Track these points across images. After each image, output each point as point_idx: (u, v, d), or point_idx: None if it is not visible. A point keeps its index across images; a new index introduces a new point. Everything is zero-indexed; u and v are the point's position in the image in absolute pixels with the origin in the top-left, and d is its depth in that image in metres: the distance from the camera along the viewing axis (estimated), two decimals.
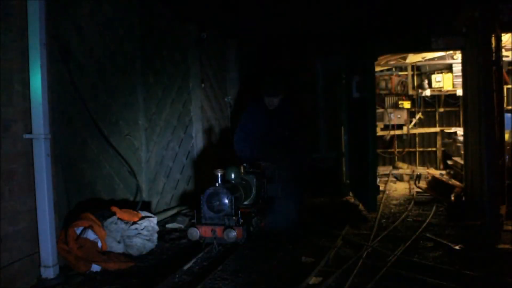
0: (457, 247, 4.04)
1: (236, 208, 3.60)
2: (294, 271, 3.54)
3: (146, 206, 4.76)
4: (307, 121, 6.81)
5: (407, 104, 9.59)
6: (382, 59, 8.48)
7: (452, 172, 7.85)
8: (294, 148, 4.77)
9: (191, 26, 5.97)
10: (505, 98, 7.50)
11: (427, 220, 5.07)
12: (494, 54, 4.30)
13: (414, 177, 7.64)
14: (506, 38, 5.61)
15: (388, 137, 9.63)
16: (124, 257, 3.74)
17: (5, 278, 3.06)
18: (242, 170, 4.13)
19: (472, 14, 4.64)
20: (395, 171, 9.02)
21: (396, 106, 9.70)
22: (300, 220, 4.74)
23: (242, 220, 3.55)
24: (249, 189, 4.08)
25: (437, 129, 9.73)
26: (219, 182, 3.64)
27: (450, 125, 9.67)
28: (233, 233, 3.42)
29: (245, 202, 4.04)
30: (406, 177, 8.41)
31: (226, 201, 3.57)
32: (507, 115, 5.19)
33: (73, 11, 3.89)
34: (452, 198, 5.95)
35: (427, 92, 9.36)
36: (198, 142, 6.11)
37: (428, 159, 9.84)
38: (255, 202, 4.11)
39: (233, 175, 3.94)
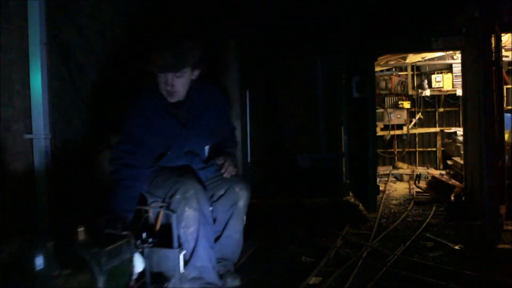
0: (457, 247, 4.04)
1: None
2: (294, 271, 3.54)
3: None
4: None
5: (407, 104, 9.60)
6: (382, 59, 8.48)
7: (452, 172, 7.86)
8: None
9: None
10: (505, 98, 7.52)
11: (427, 220, 5.08)
12: (494, 54, 4.29)
13: (414, 177, 7.64)
14: (506, 38, 5.61)
15: (388, 137, 9.63)
16: None
17: None
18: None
19: (472, 14, 4.63)
20: (395, 171, 9.02)
21: (396, 106, 9.71)
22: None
23: None
24: None
25: (437, 129, 9.73)
26: None
27: (450, 125, 9.68)
28: None
29: None
30: (406, 177, 8.41)
31: None
32: (507, 115, 5.20)
33: (74, 10, 3.89)
34: (452, 198, 5.95)
35: (427, 92, 9.37)
36: None
37: (428, 159, 9.85)
38: None
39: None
